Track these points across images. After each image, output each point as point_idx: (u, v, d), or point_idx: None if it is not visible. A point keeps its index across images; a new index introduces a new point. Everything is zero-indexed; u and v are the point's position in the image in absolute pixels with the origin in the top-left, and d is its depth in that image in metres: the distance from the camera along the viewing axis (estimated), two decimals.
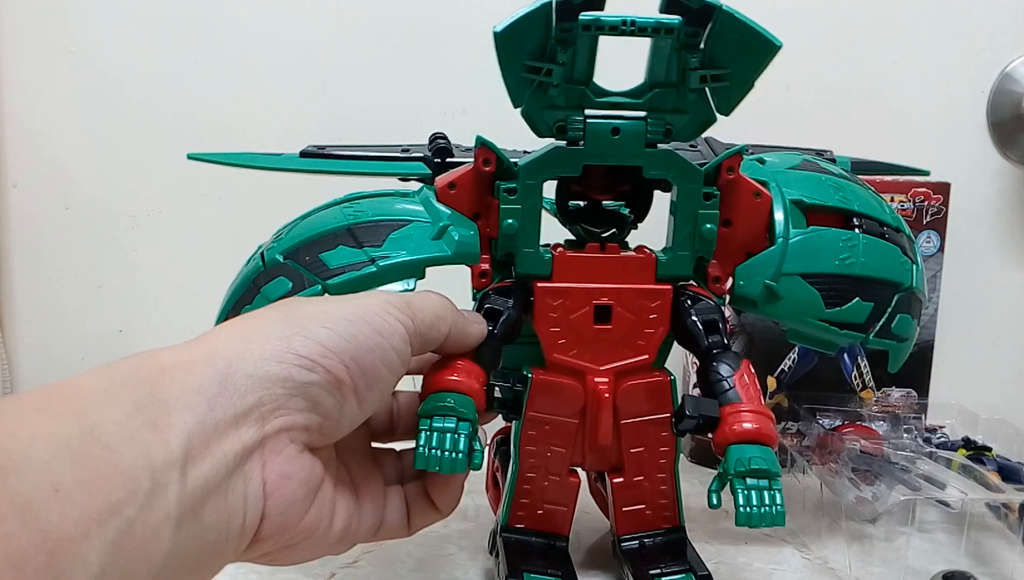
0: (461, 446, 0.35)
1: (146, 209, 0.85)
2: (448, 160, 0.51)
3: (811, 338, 0.46)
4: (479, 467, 0.36)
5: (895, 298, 0.45)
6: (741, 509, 0.36)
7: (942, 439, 0.64)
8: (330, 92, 0.82)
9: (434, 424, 0.35)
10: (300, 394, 0.30)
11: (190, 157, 0.53)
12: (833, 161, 0.52)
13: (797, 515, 0.59)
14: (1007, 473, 0.56)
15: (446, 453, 0.34)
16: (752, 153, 0.50)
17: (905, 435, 0.63)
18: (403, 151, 0.52)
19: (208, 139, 0.83)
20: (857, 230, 0.44)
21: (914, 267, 0.46)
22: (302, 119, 0.82)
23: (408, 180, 0.51)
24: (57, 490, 0.22)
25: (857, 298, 0.44)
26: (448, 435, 0.35)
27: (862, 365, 0.69)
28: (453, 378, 0.37)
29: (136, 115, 0.84)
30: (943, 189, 0.70)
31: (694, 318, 0.42)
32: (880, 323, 0.45)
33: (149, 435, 0.25)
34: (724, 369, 0.40)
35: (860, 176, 0.49)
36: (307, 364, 0.30)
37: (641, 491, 0.45)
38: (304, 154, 0.53)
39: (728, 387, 0.39)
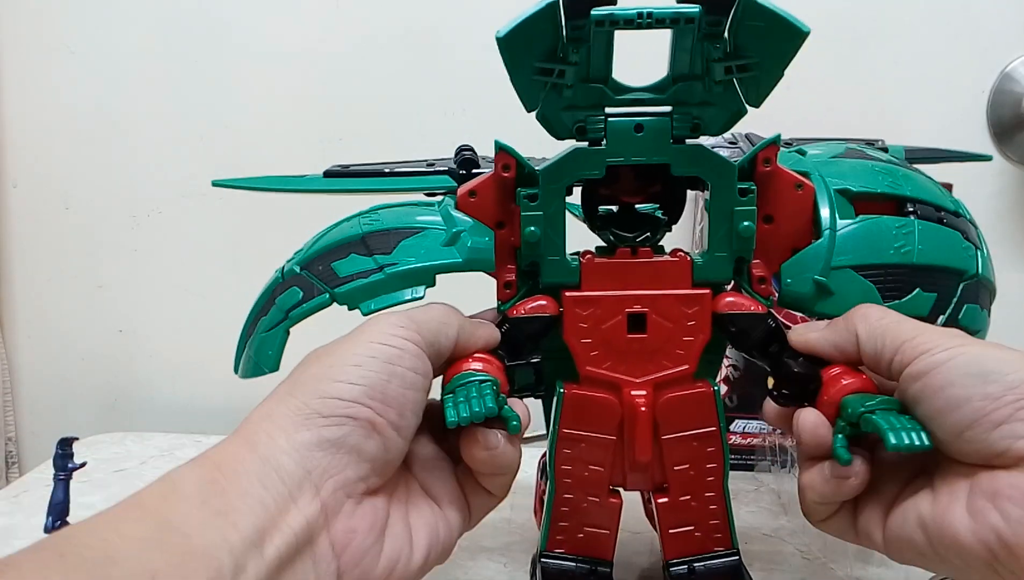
0: (487, 391, 0.34)
1: (146, 209, 0.85)
2: (474, 172, 0.48)
3: None
4: (517, 429, 0.35)
5: (960, 287, 0.41)
6: (889, 432, 0.32)
7: None
8: (330, 92, 0.82)
9: (457, 392, 0.35)
10: (339, 450, 0.31)
11: (215, 184, 0.52)
12: (885, 150, 0.49)
13: (798, 515, 0.59)
14: None
15: (473, 399, 0.34)
16: (793, 145, 0.47)
17: None
18: (428, 165, 0.50)
19: (207, 139, 0.83)
20: (912, 216, 0.41)
21: (978, 253, 0.42)
22: (302, 119, 0.82)
23: (435, 194, 0.49)
24: (154, 576, 0.24)
25: (918, 289, 0.40)
26: (473, 387, 0.35)
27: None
28: (469, 365, 0.37)
29: (136, 115, 0.84)
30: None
31: (751, 348, 0.40)
32: (946, 315, 0.41)
33: (219, 521, 0.27)
34: (796, 353, 0.39)
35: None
36: (334, 421, 0.31)
37: (689, 512, 0.41)
38: (328, 174, 0.51)
39: (812, 358, 0.38)
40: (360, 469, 0.31)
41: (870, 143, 0.50)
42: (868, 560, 0.51)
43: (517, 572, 0.51)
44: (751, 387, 0.64)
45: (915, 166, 0.45)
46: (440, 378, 0.38)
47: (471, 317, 0.40)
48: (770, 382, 0.40)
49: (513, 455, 0.36)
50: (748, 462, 0.69)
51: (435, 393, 0.40)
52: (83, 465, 0.53)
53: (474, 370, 0.37)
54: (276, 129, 0.82)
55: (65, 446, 0.53)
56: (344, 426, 0.31)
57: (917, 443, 0.32)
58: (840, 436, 0.35)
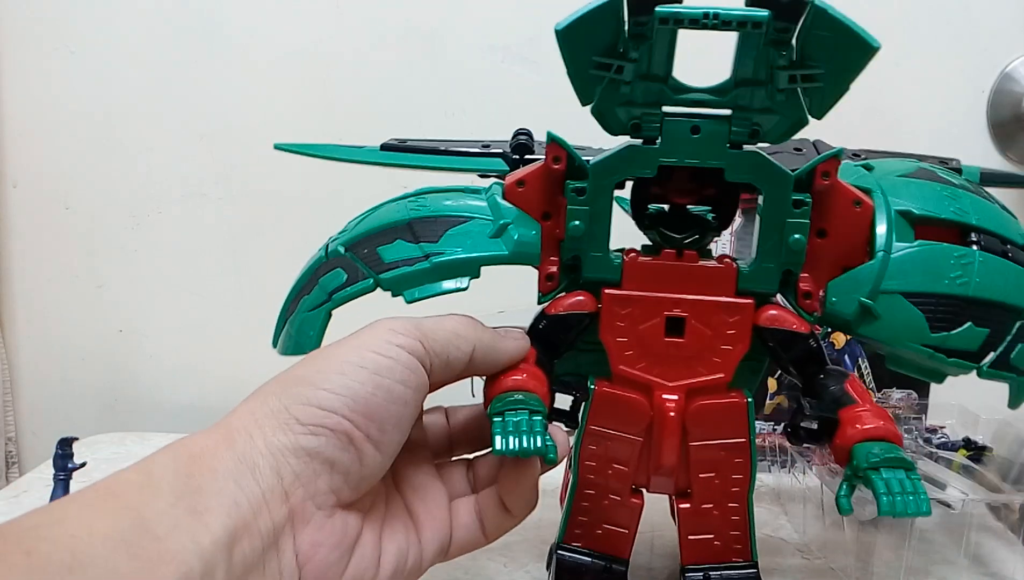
0: (538, 428, 0.33)
1: (146, 209, 0.85)
2: (527, 157, 0.47)
3: (915, 365, 0.40)
4: (555, 462, 0.34)
5: (1016, 325, 0.39)
6: (883, 497, 0.32)
7: (942, 440, 0.61)
8: (331, 92, 0.81)
9: (507, 418, 0.34)
10: (313, 459, 0.31)
11: (276, 147, 0.51)
12: (959, 171, 0.47)
13: (797, 516, 0.59)
14: None
15: (524, 436, 0.33)
16: (864, 159, 0.45)
17: (905, 436, 0.62)
18: (483, 146, 0.49)
19: (208, 139, 0.83)
20: (974, 246, 0.39)
21: None
22: (303, 119, 0.82)
23: (487, 176, 0.48)
24: None
25: (969, 323, 0.38)
26: (523, 420, 0.33)
27: (862, 366, 0.67)
28: (517, 378, 0.36)
29: (136, 116, 0.83)
30: None
31: (787, 364, 0.39)
32: (997, 353, 0.39)
33: (192, 521, 0.27)
34: (831, 380, 0.38)
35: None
36: (311, 430, 0.31)
37: (710, 520, 0.40)
38: (385, 147, 0.50)
39: (840, 393, 0.36)
40: (332, 480, 0.31)
41: (944, 162, 0.48)
42: (868, 561, 0.51)
43: (517, 572, 0.51)
44: None
45: (988, 191, 0.42)
46: (440, 390, 0.37)
47: (497, 329, 0.38)
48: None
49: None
50: None
51: (442, 399, 0.40)
52: (83, 465, 0.53)
53: (521, 388, 0.36)
54: (276, 129, 0.81)
55: (65, 446, 0.53)
56: (320, 436, 0.31)
57: (912, 511, 0.32)
58: (844, 485, 0.34)
